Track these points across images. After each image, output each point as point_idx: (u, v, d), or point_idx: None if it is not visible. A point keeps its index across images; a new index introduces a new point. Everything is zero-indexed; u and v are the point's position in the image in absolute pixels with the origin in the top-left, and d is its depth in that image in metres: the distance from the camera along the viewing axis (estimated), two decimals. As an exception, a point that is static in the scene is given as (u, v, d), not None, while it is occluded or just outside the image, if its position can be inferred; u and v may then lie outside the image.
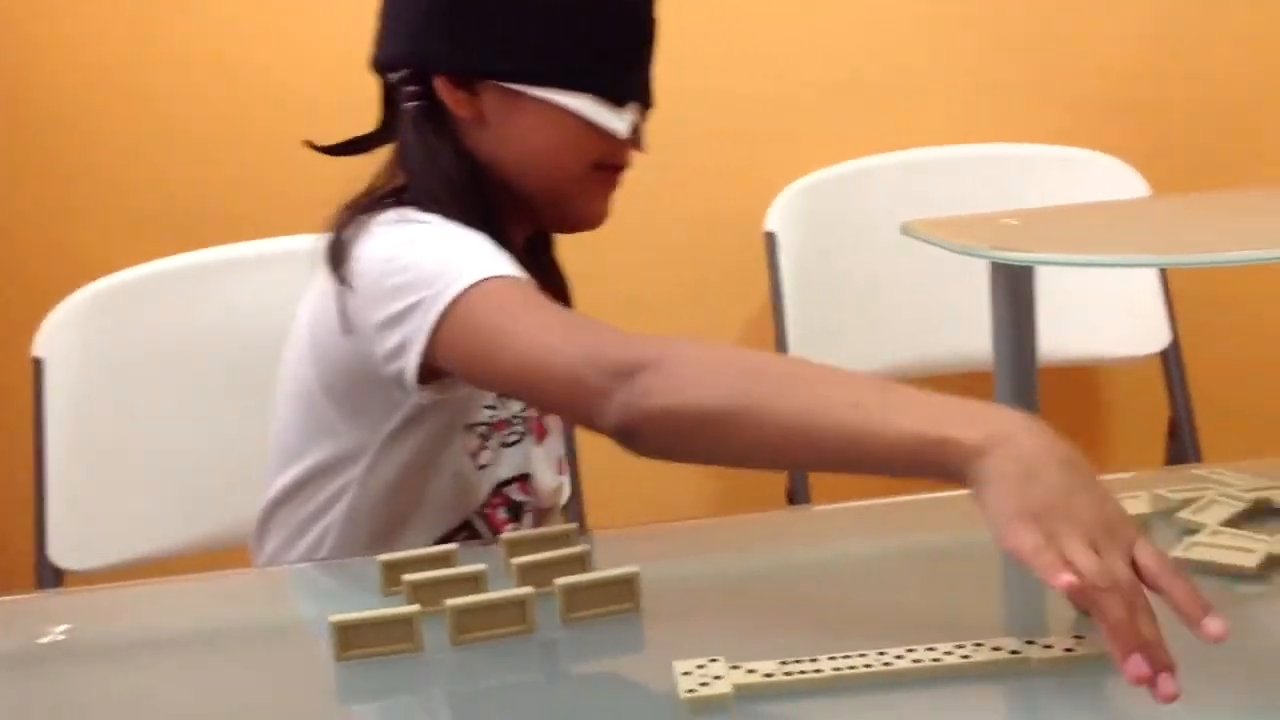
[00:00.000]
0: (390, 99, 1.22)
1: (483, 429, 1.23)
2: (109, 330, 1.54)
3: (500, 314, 1.04)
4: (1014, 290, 1.02)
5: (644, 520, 1.26)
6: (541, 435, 1.30)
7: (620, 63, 1.19)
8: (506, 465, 1.25)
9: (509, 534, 1.02)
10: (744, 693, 0.80)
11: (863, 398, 0.88)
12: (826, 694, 0.80)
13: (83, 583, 1.49)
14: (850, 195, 1.92)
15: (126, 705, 0.92)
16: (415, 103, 1.19)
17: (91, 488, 1.50)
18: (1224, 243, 0.97)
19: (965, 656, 0.82)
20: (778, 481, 1.86)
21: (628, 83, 1.20)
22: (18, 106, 1.86)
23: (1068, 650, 0.82)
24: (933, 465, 0.84)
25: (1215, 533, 0.99)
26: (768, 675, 0.82)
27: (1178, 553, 0.95)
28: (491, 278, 1.06)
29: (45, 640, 0.96)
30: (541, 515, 1.30)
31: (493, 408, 1.23)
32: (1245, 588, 0.93)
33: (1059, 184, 1.87)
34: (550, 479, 1.31)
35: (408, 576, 0.95)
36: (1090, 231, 1.07)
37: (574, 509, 1.59)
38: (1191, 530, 1.00)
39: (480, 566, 0.95)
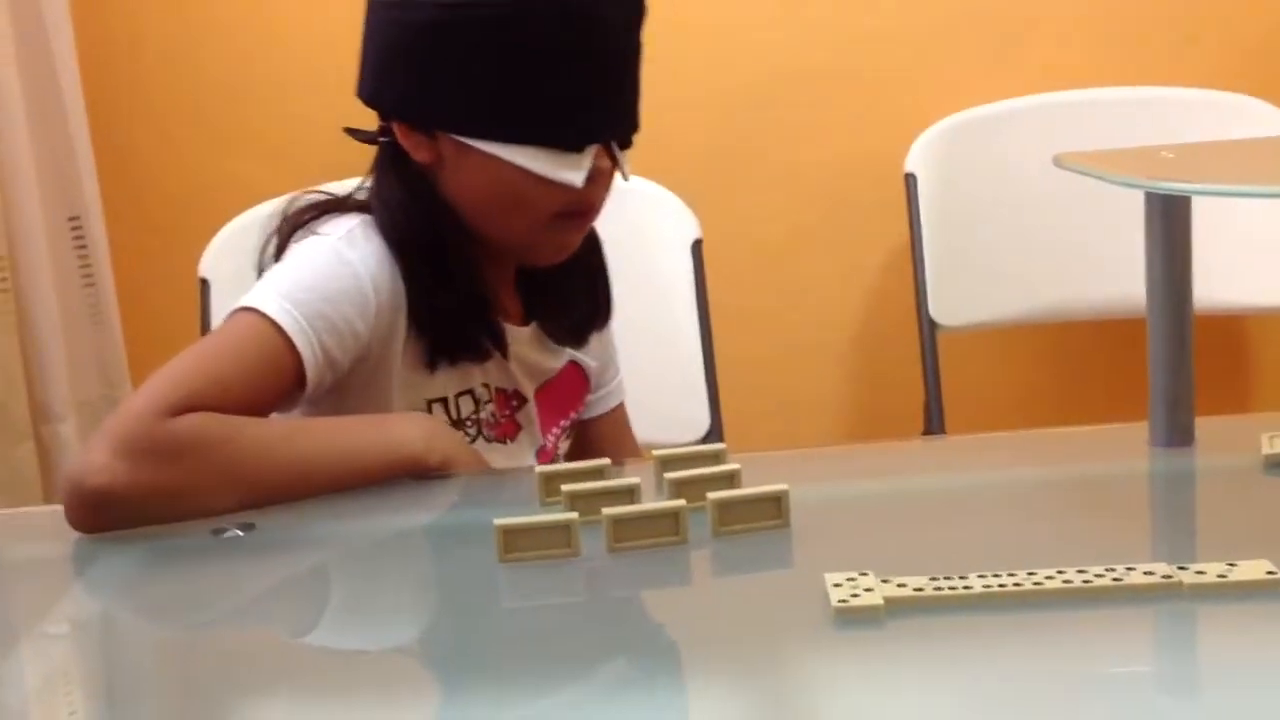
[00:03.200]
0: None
1: None
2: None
3: (212, 338, 1.17)
4: (1170, 225, 1.02)
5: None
6: (509, 433, 1.27)
7: (573, 108, 1.15)
8: None
9: (662, 451, 1.05)
10: (894, 606, 0.82)
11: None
12: (976, 610, 0.81)
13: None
14: (991, 138, 1.91)
15: (299, 597, 0.98)
16: (384, 138, 1.22)
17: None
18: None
19: (1117, 579, 0.83)
20: (913, 416, 1.87)
21: (583, 126, 1.16)
22: (179, 41, 1.93)
23: (1221, 576, 0.83)
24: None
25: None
26: (918, 590, 0.83)
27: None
28: (252, 310, 1.12)
29: (225, 535, 1.02)
30: None
31: (442, 400, 1.22)
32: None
33: (1207, 130, 1.83)
34: None
35: (566, 486, 0.98)
36: (1250, 166, 1.06)
37: (714, 441, 1.61)
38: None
39: (635, 480, 0.99)
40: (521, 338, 1.27)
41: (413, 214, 1.20)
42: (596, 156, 1.17)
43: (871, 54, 1.95)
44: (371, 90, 1.23)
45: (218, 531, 1.02)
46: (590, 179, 1.17)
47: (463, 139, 1.17)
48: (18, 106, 1.70)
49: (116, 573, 1.01)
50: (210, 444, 1.05)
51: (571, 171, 1.16)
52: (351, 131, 1.26)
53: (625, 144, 1.21)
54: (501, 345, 1.23)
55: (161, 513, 1.03)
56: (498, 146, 1.16)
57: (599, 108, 1.18)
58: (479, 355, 1.22)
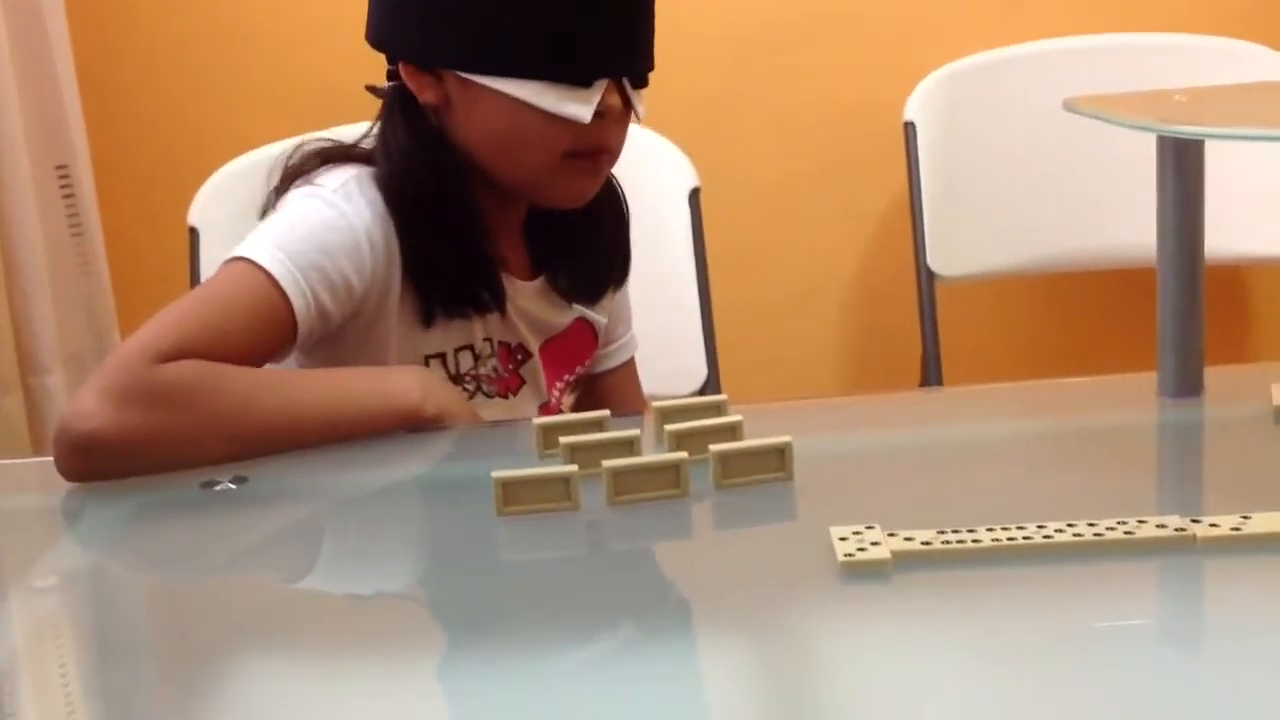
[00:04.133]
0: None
1: None
2: (256, 201, 1.56)
3: (204, 286, 1.16)
4: (1183, 170, 1.00)
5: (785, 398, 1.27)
6: (512, 388, 1.25)
7: (580, 42, 1.12)
8: None
9: (662, 402, 1.03)
10: (902, 559, 0.81)
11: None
12: (985, 564, 0.80)
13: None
14: (992, 86, 1.88)
15: (292, 550, 0.96)
16: (392, 83, 1.19)
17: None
18: None
19: (1128, 532, 0.82)
20: (910, 368, 1.86)
21: (590, 60, 1.12)
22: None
23: (1235, 529, 0.81)
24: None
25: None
26: (925, 543, 0.82)
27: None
28: (245, 260, 1.11)
29: (217, 489, 1.00)
30: None
31: (440, 356, 1.20)
32: None
33: (1213, 78, 1.80)
34: None
35: (565, 438, 0.96)
36: (1262, 111, 1.04)
37: (712, 391, 1.60)
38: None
39: (634, 431, 0.97)
40: (527, 292, 1.25)
41: (416, 161, 1.17)
42: (606, 93, 1.14)
43: (872, 1, 1.92)
44: (378, 33, 1.20)
45: (208, 484, 1.00)
46: (600, 116, 1.14)
47: (467, 76, 1.14)
48: (4, 53, 1.67)
49: (105, 525, 1.00)
50: (200, 390, 1.03)
51: (578, 106, 1.12)
52: (372, 89, 1.23)
53: (638, 82, 1.17)
54: (500, 300, 1.21)
55: (151, 460, 1.02)
56: (502, 82, 1.13)
57: (606, 42, 1.14)
58: (477, 309, 1.20)
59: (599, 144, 1.16)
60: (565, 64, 1.12)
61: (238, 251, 1.13)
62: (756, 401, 1.18)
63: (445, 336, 1.20)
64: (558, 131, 1.14)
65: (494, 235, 1.21)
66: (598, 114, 1.13)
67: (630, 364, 1.39)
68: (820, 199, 1.96)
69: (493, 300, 1.20)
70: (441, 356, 1.20)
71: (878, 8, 1.92)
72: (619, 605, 0.82)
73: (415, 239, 1.16)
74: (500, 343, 1.23)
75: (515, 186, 1.20)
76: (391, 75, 1.21)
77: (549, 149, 1.15)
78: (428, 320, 1.19)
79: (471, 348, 1.22)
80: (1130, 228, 1.70)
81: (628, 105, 1.16)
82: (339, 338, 1.16)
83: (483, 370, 1.22)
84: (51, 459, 1.03)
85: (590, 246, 1.26)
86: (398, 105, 1.19)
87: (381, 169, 1.18)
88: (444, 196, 1.17)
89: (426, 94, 1.17)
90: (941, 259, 1.82)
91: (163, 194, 1.75)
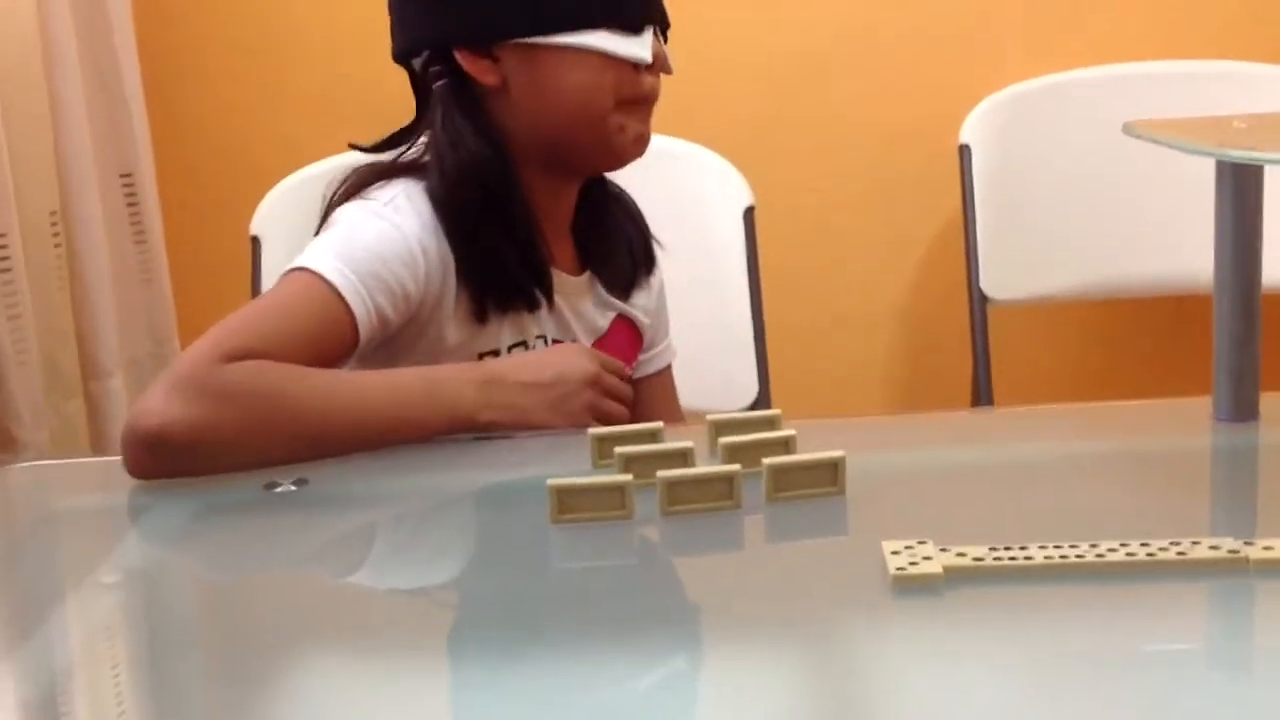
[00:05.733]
0: (420, 87, 1.25)
1: None
2: (317, 212, 1.59)
3: (268, 295, 1.16)
4: (1241, 196, 1.00)
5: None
6: None
7: None
8: None
9: (716, 415, 1.04)
10: (953, 574, 0.81)
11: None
12: (1037, 581, 0.80)
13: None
14: (1048, 110, 1.88)
15: (350, 552, 0.98)
16: (443, 81, 1.22)
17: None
18: None
19: (1181, 553, 0.82)
20: (961, 390, 1.85)
21: (640, 8, 1.21)
22: (234, 11, 1.93)
23: (1288, 552, 0.81)
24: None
25: None
26: (978, 559, 0.82)
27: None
28: (307, 270, 1.13)
29: (279, 490, 1.02)
30: None
31: (494, 353, 1.22)
32: None
33: (1270, 106, 1.79)
34: None
35: (620, 448, 0.97)
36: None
37: (762, 408, 1.60)
38: None
39: (688, 443, 0.98)
40: (578, 288, 1.27)
41: (477, 152, 1.20)
42: (654, 44, 1.21)
43: (929, 21, 1.92)
44: (423, 34, 1.23)
45: (270, 486, 1.02)
46: (648, 63, 1.21)
47: (530, 39, 1.19)
48: (73, 64, 1.70)
49: (168, 525, 1.01)
50: (264, 390, 1.06)
51: (638, 48, 1.20)
52: (393, 137, 1.26)
53: (665, 35, 1.24)
54: (548, 291, 1.23)
55: (215, 457, 1.04)
56: (567, 36, 1.18)
57: None
58: (529, 303, 1.22)
59: (650, 90, 1.22)
60: (619, 13, 1.19)
61: (298, 262, 1.15)
62: (806, 419, 1.19)
63: (500, 333, 1.22)
64: (618, 78, 1.20)
65: (545, 231, 1.23)
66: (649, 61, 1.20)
67: (666, 372, 1.41)
68: (874, 220, 1.96)
69: (542, 292, 1.23)
70: (496, 353, 1.22)
71: (936, 29, 1.93)
72: (670, 615, 0.83)
73: (469, 239, 1.19)
74: (554, 340, 1.26)
75: (577, 144, 1.22)
76: (438, 77, 1.22)
77: (608, 95, 1.20)
78: (483, 316, 1.21)
79: (525, 344, 1.24)
80: (1186, 254, 1.70)
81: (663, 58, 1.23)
82: (395, 340, 1.19)
83: None
84: (114, 459, 1.05)
85: (621, 239, 1.31)
86: (452, 102, 1.22)
87: (433, 174, 1.21)
88: (503, 187, 1.20)
89: (487, 77, 1.21)
90: (994, 282, 1.82)
91: (225, 204, 1.78)
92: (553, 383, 1.15)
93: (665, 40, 1.24)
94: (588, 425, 1.12)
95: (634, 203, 1.34)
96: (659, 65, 1.22)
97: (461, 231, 1.19)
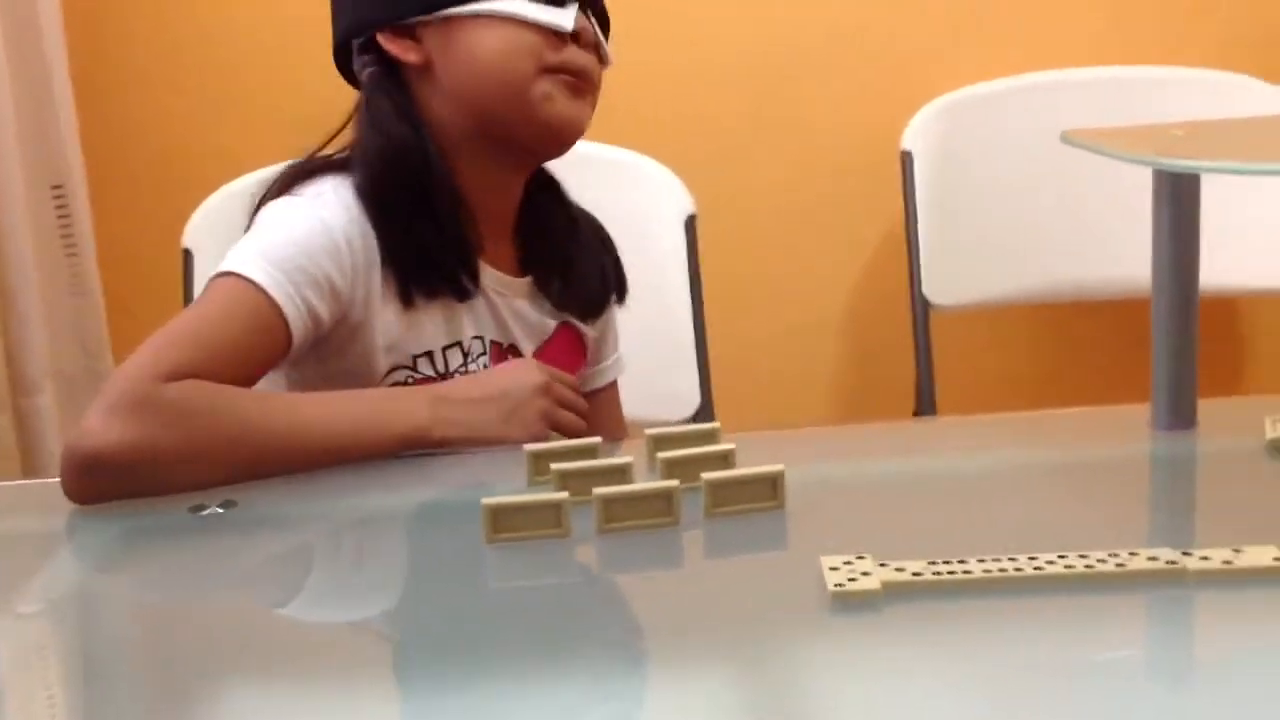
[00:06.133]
0: (358, 88, 1.25)
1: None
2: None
3: (198, 305, 1.13)
4: (1179, 204, 1.00)
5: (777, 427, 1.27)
6: None
7: None
8: None
9: (654, 430, 1.03)
10: (892, 590, 0.80)
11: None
12: (976, 595, 0.80)
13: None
14: (990, 116, 1.89)
15: (279, 575, 0.95)
16: (371, 69, 1.22)
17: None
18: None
19: (1120, 565, 0.81)
20: (904, 396, 1.85)
21: None
22: (166, 9, 1.90)
23: (1226, 563, 0.81)
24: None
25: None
26: (916, 574, 0.81)
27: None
28: (233, 274, 1.12)
29: (205, 513, 1.00)
30: None
31: (428, 354, 1.22)
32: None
33: (1209, 111, 1.80)
34: None
35: (556, 465, 0.96)
36: (1260, 144, 1.04)
37: (705, 418, 1.59)
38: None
39: (627, 459, 0.97)
40: (517, 289, 1.26)
41: (401, 135, 1.19)
42: (578, 18, 1.20)
43: (870, 29, 1.92)
44: (349, 24, 1.23)
45: (197, 508, 1.00)
46: (576, 37, 1.19)
47: (446, 11, 1.18)
48: (1, 72, 1.67)
49: (92, 549, 0.99)
50: (206, 410, 1.04)
51: (558, 14, 1.18)
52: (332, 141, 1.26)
53: (602, 23, 1.24)
54: (474, 278, 1.22)
55: (157, 479, 1.01)
56: (481, 3, 1.18)
57: None
58: (457, 292, 1.21)
59: (576, 62, 1.20)
60: None
61: (224, 267, 1.14)
62: (750, 429, 1.18)
63: (435, 333, 1.21)
64: (538, 43, 1.18)
65: (479, 223, 1.22)
66: (573, 34, 1.19)
67: (613, 388, 1.39)
68: (817, 227, 1.96)
69: (470, 282, 1.21)
70: (429, 355, 1.21)
71: (875, 37, 1.93)
72: (608, 634, 0.82)
73: (391, 222, 1.18)
74: (492, 342, 1.24)
75: (506, 123, 1.21)
76: (365, 65, 1.23)
77: (529, 61, 1.19)
78: (409, 302, 1.19)
79: (460, 344, 1.22)
80: (1125, 260, 1.70)
81: (596, 40, 1.22)
82: (326, 341, 1.17)
83: (472, 368, 1.23)
84: (39, 481, 1.03)
85: (582, 260, 1.29)
86: (379, 88, 1.22)
87: (357, 162, 1.20)
88: (425, 168, 1.19)
89: (410, 55, 1.21)
90: (937, 288, 1.82)
91: (158, 216, 1.75)
92: (501, 395, 1.14)
93: (606, 36, 1.23)
94: (544, 436, 1.11)
95: (603, 228, 1.33)
96: (587, 41, 1.20)
97: (384, 216, 1.18)
